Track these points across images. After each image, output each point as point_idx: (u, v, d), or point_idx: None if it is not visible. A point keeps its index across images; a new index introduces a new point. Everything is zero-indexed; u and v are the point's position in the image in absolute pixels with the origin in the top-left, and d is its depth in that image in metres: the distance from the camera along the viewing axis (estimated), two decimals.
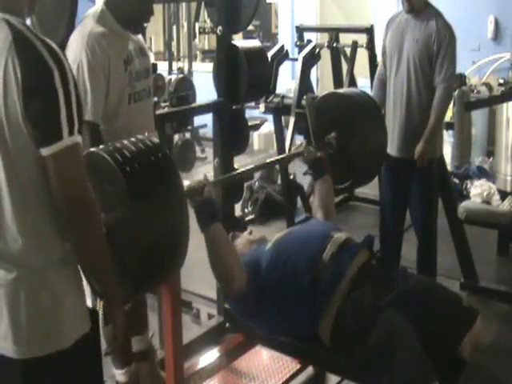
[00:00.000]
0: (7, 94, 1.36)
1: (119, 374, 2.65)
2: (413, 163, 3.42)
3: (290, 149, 4.61)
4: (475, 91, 5.08)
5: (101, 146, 1.75)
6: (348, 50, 5.37)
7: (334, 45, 5.42)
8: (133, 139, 1.77)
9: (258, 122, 6.36)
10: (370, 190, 4.70)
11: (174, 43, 7.78)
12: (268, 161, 2.90)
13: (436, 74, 3.38)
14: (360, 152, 2.80)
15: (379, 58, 3.85)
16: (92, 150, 1.75)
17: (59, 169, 1.40)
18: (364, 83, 5.03)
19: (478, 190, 4.15)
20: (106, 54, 2.33)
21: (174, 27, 7.71)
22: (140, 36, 2.59)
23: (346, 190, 3.82)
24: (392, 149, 3.44)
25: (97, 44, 2.31)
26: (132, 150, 1.70)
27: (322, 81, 7.57)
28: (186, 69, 7.41)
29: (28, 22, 1.58)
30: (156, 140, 1.84)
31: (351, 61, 5.27)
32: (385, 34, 3.62)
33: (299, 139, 4.86)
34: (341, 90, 3.75)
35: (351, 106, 2.87)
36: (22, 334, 1.46)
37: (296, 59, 5.40)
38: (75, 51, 2.31)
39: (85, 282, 1.59)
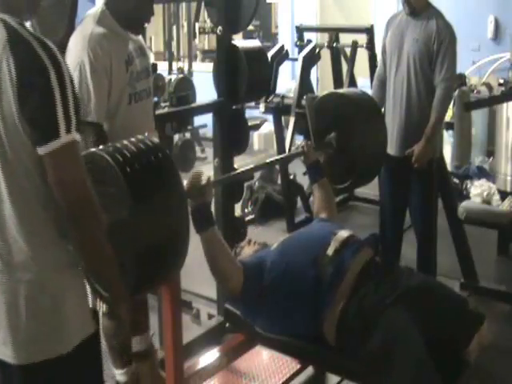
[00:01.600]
0: (2, 94, 1.34)
1: (119, 374, 2.65)
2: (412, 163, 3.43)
3: (289, 149, 4.61)
4: (475, 91, 5.09)
5: (101, 147, 1.75)
6: (348, 50, 5.38)
7: (334, 45, 5.42)
8: (133, 139, 1.77)
9: (257, 122, 6.36)
10: (370, 190, 4.69)
11: (174, 43, 7.78)
12: (268, 161, 2.90)
13: (436, 73, 3.38)
14: (360, 152, 2.80)
15: (379, 58, 3.85)
16: (92, 150, 1.75)
17: (57, 168, 1.37)
18: (364, 83, 5.03)
19: (477, 190, 4.15)
20: (108, 55, 2.33)
21: (174, 27, 7.71)
22: (139, 36, 2.59)
23: (346, 190, 3.82)
24: (392, 148, 3.43)
25: (98, 45, 2.31)
26: (132, 151, 1.70)
27: (322, 81, 7.57)
28: (185, 69, 7.42)
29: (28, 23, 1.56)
30: (156, 140, 1.84)
31: (351, 61, 5.27)
32: (385, 33, 3.61)
33: (299, 139, 4.86)
34: (340, 90, 3.75)
35: (351, 106, 2.87)
36: (21, 340, 1.44)
37: (296, 59, 5.41)
38: (76, 53, 2.31)
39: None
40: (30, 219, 1.43)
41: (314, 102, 3.08)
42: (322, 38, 6.47)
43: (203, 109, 3.62)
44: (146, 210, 1.66)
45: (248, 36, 8.36)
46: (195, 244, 2.11)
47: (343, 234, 2.31)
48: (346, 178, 2.93)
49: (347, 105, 2.88)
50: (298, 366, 2.86)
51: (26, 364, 1.45)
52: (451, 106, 3.92)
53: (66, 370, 1.48)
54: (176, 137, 5.94)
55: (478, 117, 5.49)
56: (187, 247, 1.82)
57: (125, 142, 1.74)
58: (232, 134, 3.24)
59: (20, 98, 1.33)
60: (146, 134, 1.87)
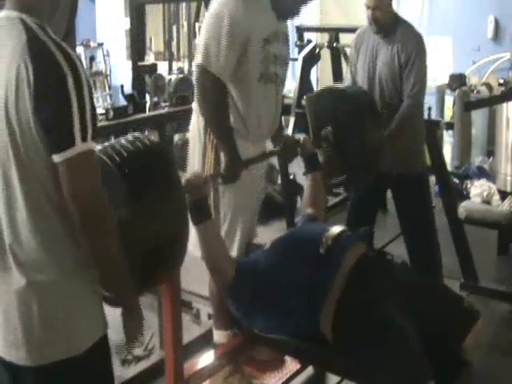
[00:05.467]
0: (19, 98, 1.34)
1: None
2: (404, 178, 3.39)
3: None
4: (475, 91, 5.09)
5: (98, 147, 1.75)
6: (348, 50, 5.37)
7: (334, 45, 5.42)
8: (131, 139, 1.77)
9: None
10: None
11: (174, 43, 7.78)
12: (267, 151, 2.85)
13: (404, 88, 3.24)
14: (356, 147, 2.80)
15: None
16: None
17: (71, 177, 1.35)
18: None
19: (477, 190, 4.14)
20: (248, 27, 2.39)
21: (174, 27, 7.71)
22: (287, 24, 2.65)
23: (344, 188, 3.82)
24: (383, 166, 3.25)
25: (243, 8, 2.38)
26: (130, 150, 1.70)
27: (322, 81, 7.56)
28: (186, 69, 7.41)
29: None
30: (155, 139, 1.84)
31: None
32: (355, 52, 3.46)
33: None
34: (338, 85, 3.73)
35: (347, 102, 2.87)
36: (34, 342, 1.44)
37: (296, 59, 5.40)
38: (219, 4, 2.39)
39: None
40: (43, 225, 1.42)
41: (312, 97, 3.07)
42: (322, 38, 6.47)
43: None
44: (145, 209, 1.66)
45: None
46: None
47: (335, 229, 2.29)
48: (341, 172, 2.94)
49: (344, 100, 2.88)
50: (298, 366, 2.86)
51: (39, 365, 1.45)
52: (451, 106, 3.92)
53: (77, 372, 1.48)
54: (176, 137, 5.93)
55: (478, 117, 5.49)
56: (186, 245, 1.83)
57: (123, 141, 1.74)
58: None
59: (36, 103, 1.33)
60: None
